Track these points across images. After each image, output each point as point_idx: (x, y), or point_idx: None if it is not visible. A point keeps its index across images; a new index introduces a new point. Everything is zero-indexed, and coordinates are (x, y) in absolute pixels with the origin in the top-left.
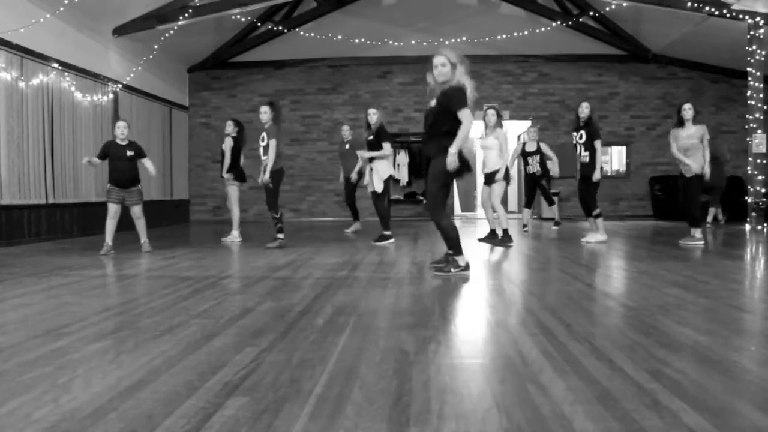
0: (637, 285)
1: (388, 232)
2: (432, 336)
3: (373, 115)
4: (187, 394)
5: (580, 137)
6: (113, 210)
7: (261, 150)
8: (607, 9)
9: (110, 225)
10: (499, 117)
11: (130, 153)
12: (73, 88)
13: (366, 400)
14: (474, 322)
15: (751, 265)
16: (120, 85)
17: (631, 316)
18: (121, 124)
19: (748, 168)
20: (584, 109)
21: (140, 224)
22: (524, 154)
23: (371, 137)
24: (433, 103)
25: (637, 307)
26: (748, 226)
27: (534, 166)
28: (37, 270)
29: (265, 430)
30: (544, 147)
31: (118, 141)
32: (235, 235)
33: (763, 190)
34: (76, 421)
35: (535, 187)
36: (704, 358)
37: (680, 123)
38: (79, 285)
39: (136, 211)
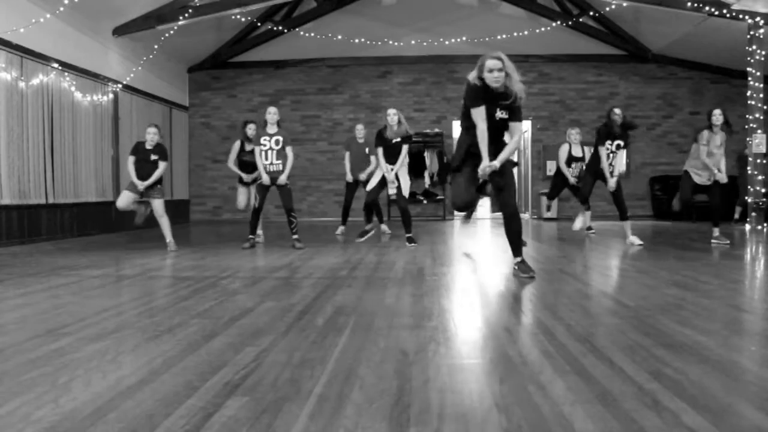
0: (637, 285)
1: (411, 234)
2: (432, 336)
3: (395, 116)
4: (187, 394)
5: (617, 147)
6: (127, 196)
7: (272, 153)
8: (607, 9)
9: (127, 199)
10: None
11: (154, 157)
12: (73, 88)
13: (366, 400)
14: (474, 322)
15: (751, 265)
16: (120, 85)
17: (631, 316)
18: (151, 130)
19: (748, 168)
20: (618, 117)
21: (163, 222)
22: (570, 159)
23: (400, 139)
24: (503, 114)
25: (637, 307)
26: (748, 226)
27: (575, 170)
28: (37, 270)
29: (265, 430)
30: (587, 150)
31: (147, 145)
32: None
33: (763, 190)
34: (76, 421)
35: (563, 188)
36: (704, 358)
37: (710, 128)
38: (79, 285)
39: (158, 206)
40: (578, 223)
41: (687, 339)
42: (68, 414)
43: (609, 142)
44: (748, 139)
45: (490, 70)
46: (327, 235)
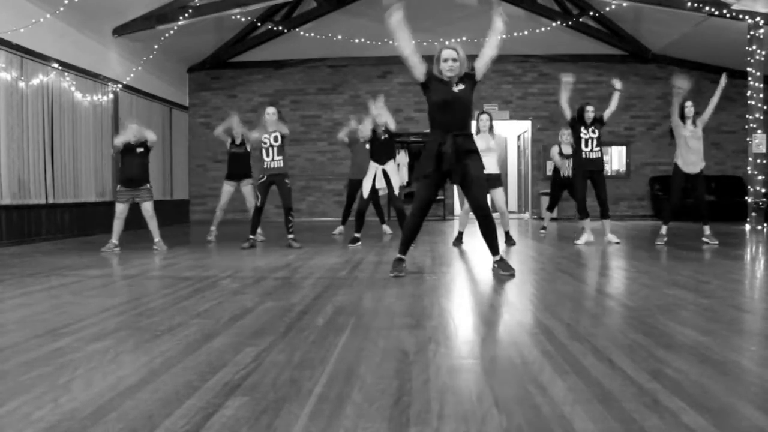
0: (637, 285)
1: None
2: (432, 336)
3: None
4: (187, 394)
5: (594, 131)
6: (120, 209)
7: (272, 150)
8: (607, 9)
9: (117, 225)
10: (492, 122)
11: (139, 149)
12: (73, 88)
13: (366, 400)
14: (474, 322)
15: (751, 265)
16: (120, 85)
17: (631, 316)
18: (133, 127)
19: (748, 168)
20: (590, 114)
21: (152, 224)
22: (561, 157)
23: (386, 137)
24: (458, 87)
25: (637, 307)
26: (748, 226)
27: (568, 169)
28: (36, 270)
29: (265, 430)
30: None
31: (132, 141)
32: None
33: (763, 190)
34: (76, 421)
35: (561, 192)
36: (704, 358)
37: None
38: (79, 285)
39: (148, 208)
40: (583, 239)
41: (687, 339)
42: (68, 414)
43: (583, 129)
44: (748, 139)
45: (445, 60)
46: (327, 235)
